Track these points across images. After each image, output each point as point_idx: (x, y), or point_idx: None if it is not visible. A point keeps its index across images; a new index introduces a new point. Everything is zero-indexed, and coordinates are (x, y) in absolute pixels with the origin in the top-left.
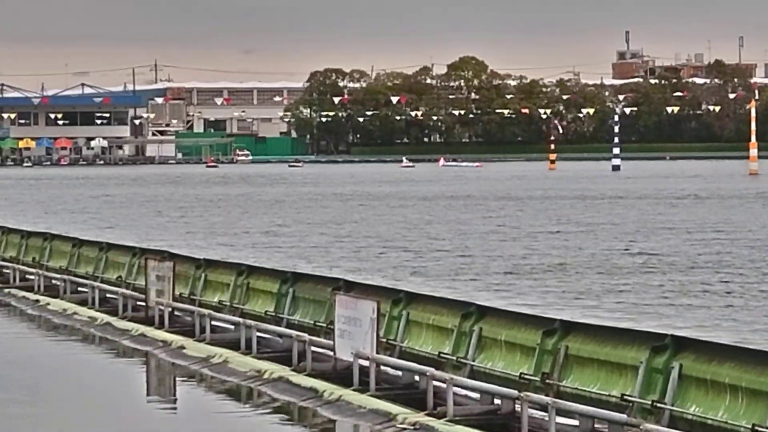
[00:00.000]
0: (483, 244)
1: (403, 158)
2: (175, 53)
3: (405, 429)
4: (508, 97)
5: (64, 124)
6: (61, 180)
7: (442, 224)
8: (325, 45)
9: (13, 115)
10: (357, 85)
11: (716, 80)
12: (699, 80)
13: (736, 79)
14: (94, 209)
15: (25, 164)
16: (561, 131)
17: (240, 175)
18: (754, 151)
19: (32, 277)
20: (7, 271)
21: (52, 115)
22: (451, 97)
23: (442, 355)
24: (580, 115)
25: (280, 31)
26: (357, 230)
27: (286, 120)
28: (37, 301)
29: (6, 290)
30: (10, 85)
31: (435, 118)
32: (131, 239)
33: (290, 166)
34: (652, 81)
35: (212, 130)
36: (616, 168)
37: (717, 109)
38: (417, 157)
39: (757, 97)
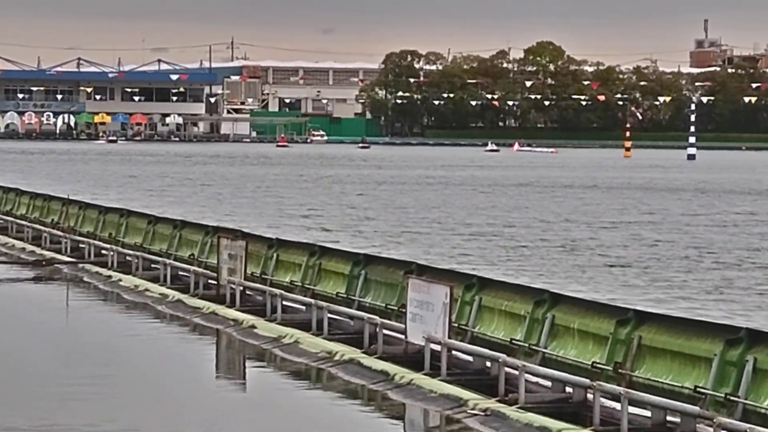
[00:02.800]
0: (561, 232)
1: (489, 142)
2: (252, 31)
3: (476, 415)
4: (585, 83)
5: (139, 100)
6: (145, 155)
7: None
8: (403, 26)
9: (89, 90)
10: (433, 67)
11: None
12: None
13: None
14: (170, 186)
15: (110, 138)
16: (640, 118)
17: (318, 155)
18: None
19: (107, 252)
20: (83, 246)
21: (128, 91)
22: (527, 82)
23: (513, 341)
24: (657, 102)
25: (361, 11)
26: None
27: (361, 101)
28: (110, 276)
29: (80, 265)
30: (87, 59)
31: (510, 102)
32: (206, 217)
33: (360, 147)
34: (730, 70)
35: (287, 110)
36: (691, 157)
37: None
38: (491, 141)
39: None
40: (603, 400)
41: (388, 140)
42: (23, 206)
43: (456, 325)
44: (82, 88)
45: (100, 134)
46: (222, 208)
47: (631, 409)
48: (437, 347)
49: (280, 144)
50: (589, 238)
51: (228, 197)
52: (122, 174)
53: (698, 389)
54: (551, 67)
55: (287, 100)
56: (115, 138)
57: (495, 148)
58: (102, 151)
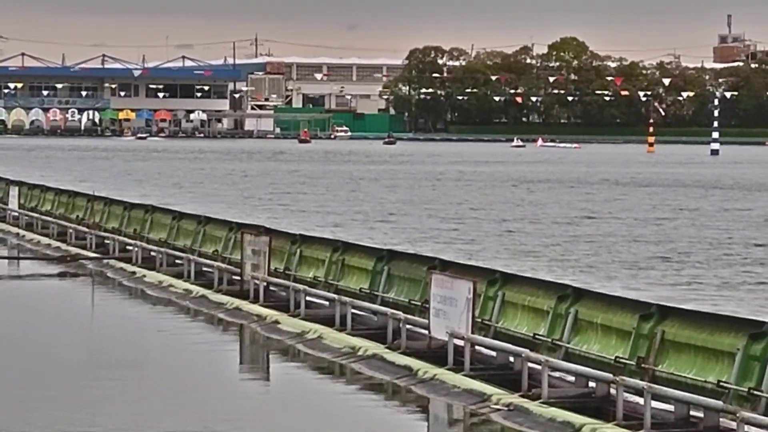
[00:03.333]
0: (585, 227)
1: (515, 138)
2: (276, 28)
3: (499, 410)
4: (608, 78)
5: (163, 97)
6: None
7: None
8: (427, 22)
9: (114, 86)
10: (456, 63)
11: None
12: None
13: None
14: (196, 181)
15: (139, 135)
16: (661, 113)
17: (347, 151)
18: None
19: (131, 248)
20: (108, 242)
21: (153, 87)
22: (550, 77)
23: (537, 336)
24: (680, 98)
25: (385, 7)
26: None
27: (385, 97)
28: (134, 272)
29: (104, 261)
30: (112, 56)
31: (534, 98)
32: (229, 213)
33: (385, 143)
34: (753, 65)
35: (311, 106)
36: (714, 152)
37: None
38: (515, 137)
39: None
40: (626, 394)
41: (412, 136)
42: (48, 202)
43: (479, 320)
44: (106, 84)
45: (125, 130)
46: (248, 205)
47: (654, 404)
48: (460, 342)
49: (302, 139)
50: (611, 233)
51: (257, 193)
52: (161, 170)
53: (721, 384)
54: (575, 62)
55: (311, 96)
56: (144, 135)
57: (521, 144)
58: (134, 147)
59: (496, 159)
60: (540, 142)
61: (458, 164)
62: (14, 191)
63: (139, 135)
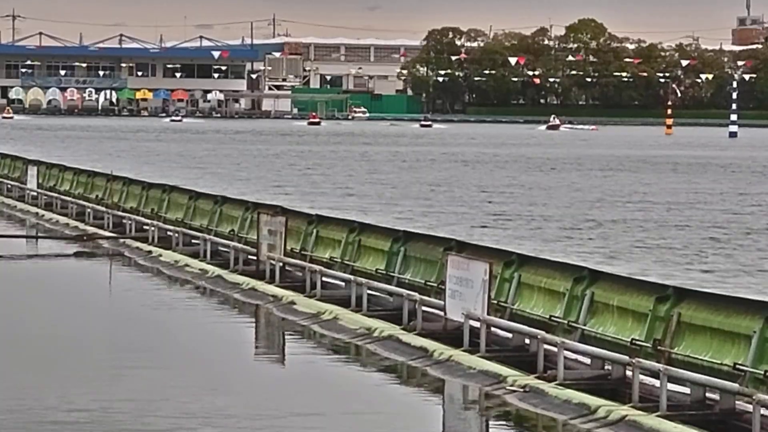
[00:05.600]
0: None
1: (553, 117)
2: (294, 8)
3: (515, 391)
4: (626, 60)
5: (181, 77)
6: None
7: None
8: (445, 3)
9: (131, 66)
10: (474, 44)
11: None
12: None
13: None
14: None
15: (173, 118)
16: (679, 95)
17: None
18: None
19: (148, 228)
20: (126, 221)
21: (170, 67)
22: (568, 59)
23: (552, 318)
24: (699, 80)
25: None
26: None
27: (403, 78)
28: (150, 252)
29: (121, 241)
30: (130, 35)
31: (552, 79)
32: (247, 193)
33: (422, 125)
34: None
35: (328, 86)
36: (733, 134)
37: None
38: (533, 118)
39: None
40: (642, 377)
41: (430, 117)
42: (67, 182)
43: (495, 301)
44: (123, 64)
45: (142, 110)
46: (267, 185)
47: (670, 386)
48: (476, 324)
49: (311, 121)
50: (629, 217)
51: (281, 174)
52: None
53: (737, 366)
54: (593, 44)
55: (328, 77)
56: (179, 118)
57: (555, 123)
58: (170, 128)
59: (522, 142)
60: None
61: (521, 147)
62: (33, 171)
63: (173, 118)
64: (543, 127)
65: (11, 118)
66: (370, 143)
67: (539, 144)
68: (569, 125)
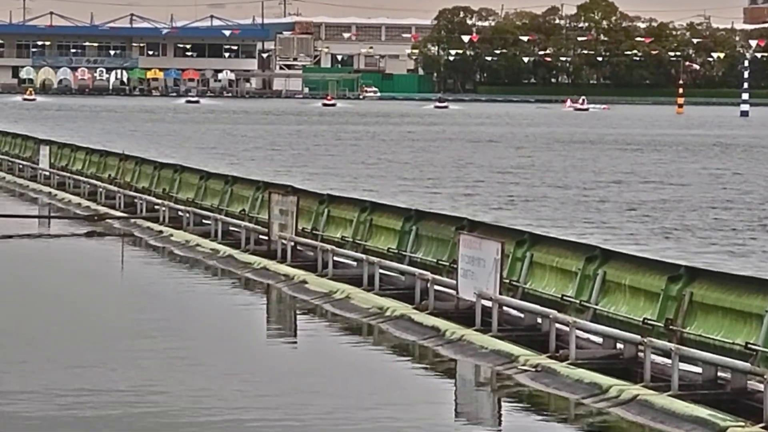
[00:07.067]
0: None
1: (582, 99)
2: None
3: (527, 371)
4: (637, 39)
5: (192, 56)
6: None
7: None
8: None
9: (142, 45)
10: (485, 23)
11: None
12: None
13: None
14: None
15: (190, 95)
16: (696, 70)
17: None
18: None
19: (159, 207)
20: (138, 201)
21: (181, 47)
22: (579, 38)
23: (565, 297)
24: (710, 59)
25: None
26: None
27: (414, 57)
28: (161, 231)
29: (132, 220)
30: (140, 15)
31: (563, 59)
32: (259, 173)
33: (437, 106)
34: None
35: (339, 66)
36: (744, 113)
37: None
38: (544, 97)
39: None
40: (654, 356)
41: (444, 97)
42: (79, 162)
43: (507, 281)
44: (134, 44)
45: (153, 90)
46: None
47: (682, 365)
48: (488, 303)
49: (326, 103)
50: (642, 198)
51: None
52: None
53: (749, 346)
54: (604, 23)
55: (339, 57)
56: (197, 99)
57: (582, 107)
58: (190, 108)
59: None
60: (569, 103)
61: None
62: (45, 150)
63: (189, 99)
64: (568, 107)
65: (33, 100)
66: (414, 122)
67: (580, 124)
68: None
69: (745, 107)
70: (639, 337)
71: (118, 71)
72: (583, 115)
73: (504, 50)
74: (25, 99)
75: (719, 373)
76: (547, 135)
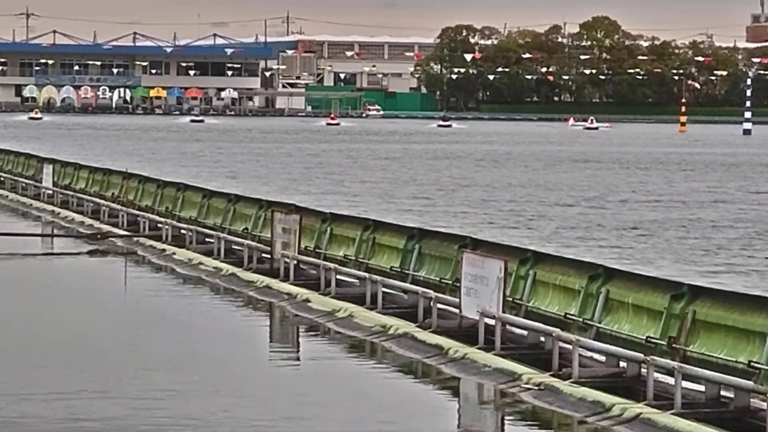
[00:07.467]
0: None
1: (590, 119)
2: (309, 6)
3: (530, 389)
4: (640, 57)
5: (195, 74)
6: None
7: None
8: (459, 1)
9: (145, 64)
10: (488, 42)
11: None
12: None
13: None
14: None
15: (193, 114)
16: (697, 89)
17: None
18: None
19: (162, 226)
20: (140, 219)
21: (184, 65)
22: (582, 56)
23: (568, 316)
24: (713, 77)
25: None
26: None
27: (417, 75)
28: (164, 250)
29: (135, 239)
30: (143, 33)
31: (565, 77)
32: (262, 192)
33: (440, 125)
34: None
35: (342, 84)
36: (747, 132)
37: None
38: (546, 116)
39: None
40: (657, 374)
41: (448, 116)
42: (82, 180)
43: (510, 299)
44: (137, 62)
45: (155, 108)
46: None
47: (685, 384)
48: (491, 321)
49: (330, 122)
50: (644, 218)
51: (312, 172)
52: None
53: (752, 364)
54: (606, 42)
55: (342, 75)
56: (201, 118)
57: (594, 125)
58: (194, 128)
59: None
60: (571, 121)
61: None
62: (48, 169)
63: (193, 118)
64: (580, 127)
65: (40, 119)
66: (415, 142)
67: (588, 144)
68: (582, 123)
69: (747, 125)
70: (642, 355)
71: (121, 90)
72: (594, 133)
73: (507, 69)
74: (31, 118)
75: (722, 392)
76: (556, 154)
